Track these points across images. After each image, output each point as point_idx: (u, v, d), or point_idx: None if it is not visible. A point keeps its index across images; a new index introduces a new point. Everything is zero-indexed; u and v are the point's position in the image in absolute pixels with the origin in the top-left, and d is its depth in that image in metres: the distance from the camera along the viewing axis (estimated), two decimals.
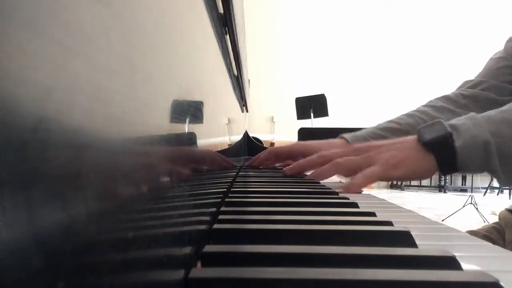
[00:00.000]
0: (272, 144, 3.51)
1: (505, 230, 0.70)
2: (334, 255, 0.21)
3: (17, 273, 0.07)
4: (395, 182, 5.75)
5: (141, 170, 0.15)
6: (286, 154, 0.82)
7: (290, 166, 0.69)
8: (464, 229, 0.47)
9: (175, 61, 0.23)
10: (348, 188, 0.54)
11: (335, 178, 0.64)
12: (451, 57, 4.91)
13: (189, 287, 0.18)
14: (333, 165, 0.58)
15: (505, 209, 0.74)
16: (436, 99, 0.81)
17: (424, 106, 0.80)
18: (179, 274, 0.18)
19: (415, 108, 0.80)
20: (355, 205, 0.38)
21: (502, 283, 0.17)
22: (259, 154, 0.84)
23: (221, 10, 0.57)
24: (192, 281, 0.18)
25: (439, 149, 0.51)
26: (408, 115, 0.79)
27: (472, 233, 0.70)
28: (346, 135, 0.76)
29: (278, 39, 5.05)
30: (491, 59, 0.79)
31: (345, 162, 0.57)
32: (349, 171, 0.57)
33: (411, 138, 0.54)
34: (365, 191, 0.56)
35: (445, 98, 0.80)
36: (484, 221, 3.07)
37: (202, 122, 0.32)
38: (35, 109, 0.08)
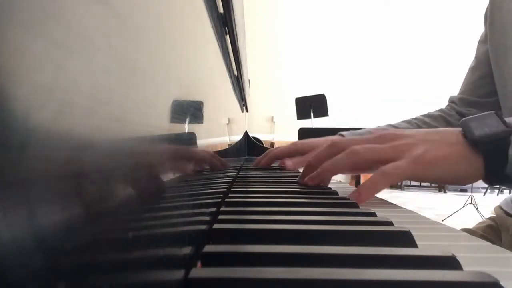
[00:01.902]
0: (272, 144, 3.51)
1: (500, 230, 0.70)
2: (334, 255, 0.21)
3: (17, 273, 0.07)
4: None
5: (141, 170, 0.15)
6: (288, 155, 0.80)
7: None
8: None
9: (175, 61, 0.23)
10: (359, 192, 0.42)
11: (334, 177, 0.50)
12: (452, 57, 4.91)
13: (189, 287, 0.18)
14: (349, 154, 0.43)
15: (499, 206, 0.73)
16: (434, 111, 0.83)
17: (422, 115, 0.82)
18: (179, 274, 0.18)
19: (413, 117, 0.81)
20: (355, 205, 0.38)
21: (502, 283, 0.17)
22: (260, 158, 0.79)
23: (221, 10, 0.57)
24: (192, 281, 0.18)
25: (492, 151, 0.40)
26: (407, 121, 0.80)
27: (469, 232, 0.70)
28: (345, 133, 0.75)
29: (278, 39, 5.05)
30: (469, 68, 0.80)
31: (365, 151, 0.43)
32: (368, 164, 0.44)
33: (453, 130, 0.43)
34: None
35: (441, 110, 0.83)
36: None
37: (202, 122, 0.32)
38: (35, 109, 0.08)
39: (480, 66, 0.75)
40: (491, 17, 0.65)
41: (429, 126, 0.77)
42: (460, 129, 0.42)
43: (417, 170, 0.41)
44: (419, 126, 0.77)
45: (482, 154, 0.40)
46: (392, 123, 0.80)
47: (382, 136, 0.45)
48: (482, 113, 0.42)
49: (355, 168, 0.46)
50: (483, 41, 0.75)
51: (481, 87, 0.75)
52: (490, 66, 0.68)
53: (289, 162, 0.72)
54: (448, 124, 0.79)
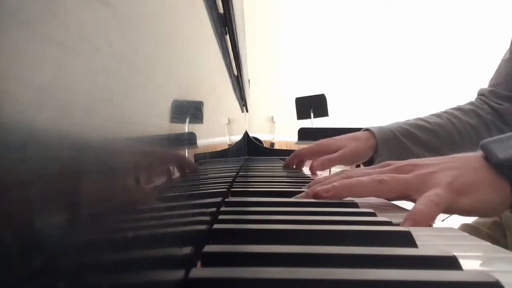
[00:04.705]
0: (272, 144, 3.51)
1: (506, 229, 0.69)
2: (334, 255, 0.21)
3: (17, 273, 0.07)
4: None
5: (142, 170, 0.15)
6: (310, 156, 0.77)
7: (317, 163, 0.69)
8: None
9: (175, 61, 0.23)
10: (416, 219, 0.36)
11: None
12: (453, 57, 4.91)
13: (189, 287, 0.18)
14: (376, 182, 0.40)
15: None
16: (464, 104, 0.80)
17: (452, 108, 0.78)
18: (179, 274, 0.18)
19: (443, 110, 0.78)
20: (355, 205, 0.38)
21: (502, 284, 0.17)
22: (288, 159, 0.82)
23: (221, 10, 0.57)
24: (192, 281, 0.18)
25: None
26: (437, 115, 0.76)
27: (473, 229, 0.69)
28: (372, 127, 0.72)
29: (278, 39, 5.05)
30: (502, 60, 0.76)
31: (393, 181, 0.39)
32: (395, 193, 0.41)
33: (474, 154, 0.40)
34: None
35: (471, 103, 0.79)
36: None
37: (202, 122, 0.32)
38: (35, 109, 0.08)
39: None
40: None
41: (460, 120, 0.74)
42: (481, 152, 0.39)
43: (453, 197, 0.36)
44: (449, 120, 0.74)
45: (509, 180, 0.36)
46: (421, 116, 0.76)
47: (400, 167, 0.42)
48: (504, 135, 0.39)
49: (378, 195, 0.43)
50: None
51: None
52: None
53: (317, 163, 0.71)
54: (479, 118, 0.75)
